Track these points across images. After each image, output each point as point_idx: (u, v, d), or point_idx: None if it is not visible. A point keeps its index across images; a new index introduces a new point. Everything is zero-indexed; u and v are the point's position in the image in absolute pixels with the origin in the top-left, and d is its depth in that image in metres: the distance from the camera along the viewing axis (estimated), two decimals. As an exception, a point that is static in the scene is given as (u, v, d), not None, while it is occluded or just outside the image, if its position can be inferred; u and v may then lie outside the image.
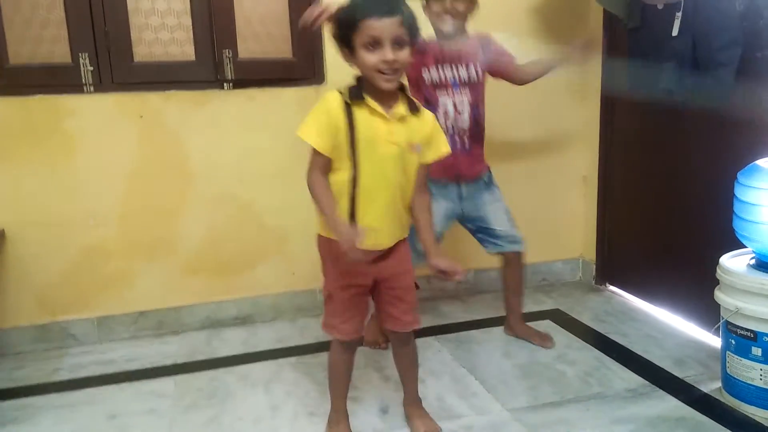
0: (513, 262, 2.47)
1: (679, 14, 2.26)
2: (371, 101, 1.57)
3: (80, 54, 2.46)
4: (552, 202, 3.11)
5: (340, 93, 1.59)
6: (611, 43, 2.83)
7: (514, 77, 2.35)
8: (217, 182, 2.65)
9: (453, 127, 2.28)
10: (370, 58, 1.52)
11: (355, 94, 1.58)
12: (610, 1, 2.52)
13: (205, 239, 2.68)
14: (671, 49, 2.30)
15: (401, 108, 1.61)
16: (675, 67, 2.30)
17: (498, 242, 2.41)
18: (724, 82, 2.15)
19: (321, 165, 1.60)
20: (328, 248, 1.69)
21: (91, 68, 2.47)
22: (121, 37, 2.50)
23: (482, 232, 2.42)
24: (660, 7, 2.31)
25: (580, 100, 3.02)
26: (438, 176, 2.23)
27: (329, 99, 1.58)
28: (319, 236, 1.73)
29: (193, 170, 2.62)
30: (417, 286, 1.87)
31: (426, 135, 1.66)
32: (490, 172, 2.43)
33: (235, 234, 2.71)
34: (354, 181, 1.59)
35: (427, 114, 1.68)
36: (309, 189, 1.62)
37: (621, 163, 2.90)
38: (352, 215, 1.62)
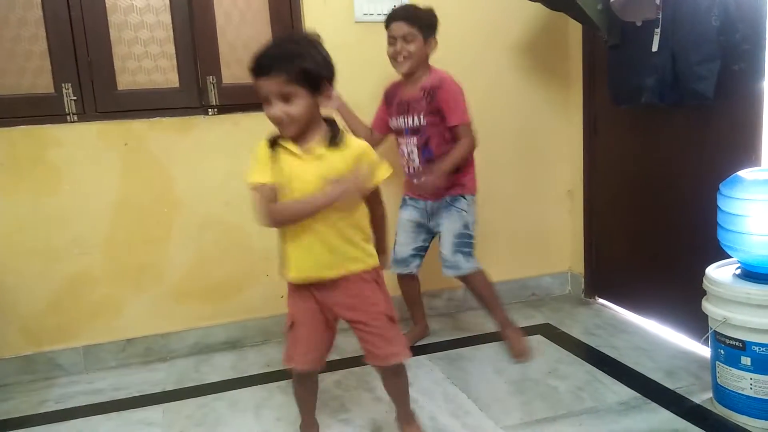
0: (467, 283, 2.52)
1: (657, 30, 2.30)
2: (286, 142, 1.64)
3: (63, 84, 2.46)
4: (538, 217, 3.13)
5: (268, 140, 1.68)
6: (592, 60, 2.87)
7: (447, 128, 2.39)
8: (203, 207, 2.64)
9: (408, 165, 2.47)
10: (266, 112, 1.62)
11: (274, 138, 1.67)
12: (600, 17, 2.55)
13: (192, 264, 2.67)
14: (651, 65, 2.34)
15: (318, 145, 1.65)
16: (656, 82, 2.34)
17: (443, 264, 2.48)
18: (703, 95, 2.18)
19: (270, 198, 1.66)
20: (289, 285, 1.78)
21: (75, 98, 2.48)
22: (105, 67, 2.51)
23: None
24: (639, 24, 2.35)
25: (564, 115, 3.05)
26: (413, 194, 2.52)
27: (258, 147, 1.68)
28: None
29: (179, 196, 2.62)
30: (392, 319, 1.79)
31: (347, 168, 1.64)
32: (459, 196, 2.46)
33: (222, 258, 2.70)
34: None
35: (353, 146, 1.68)
36: (274, 222, 1.70)
37: (605, 177, 2.92)
38: (284, 253, 1.72)
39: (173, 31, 2.57)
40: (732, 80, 2.15)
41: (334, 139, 1.66)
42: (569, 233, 3.17)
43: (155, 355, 2.67)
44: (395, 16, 2.36)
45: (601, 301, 3.06)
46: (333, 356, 2.57)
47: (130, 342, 2.64)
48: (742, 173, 1.94)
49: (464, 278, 2.49)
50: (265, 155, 1.65)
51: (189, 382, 2.45)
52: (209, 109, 2.62)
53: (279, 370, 2.49)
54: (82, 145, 2.49)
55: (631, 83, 2.47)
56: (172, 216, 2.62)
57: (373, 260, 1.77)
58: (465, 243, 2.46)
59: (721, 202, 1.95)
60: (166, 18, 2.56)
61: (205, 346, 2.72)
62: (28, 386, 2.49)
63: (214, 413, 2.18)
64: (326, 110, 1.71)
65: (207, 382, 2.44)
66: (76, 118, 2.49)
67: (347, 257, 1.71)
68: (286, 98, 1.58)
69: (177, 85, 2.60)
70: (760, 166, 2.11)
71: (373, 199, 1.77)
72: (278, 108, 1.59)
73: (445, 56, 2.51)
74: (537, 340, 2.64)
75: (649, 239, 2.67)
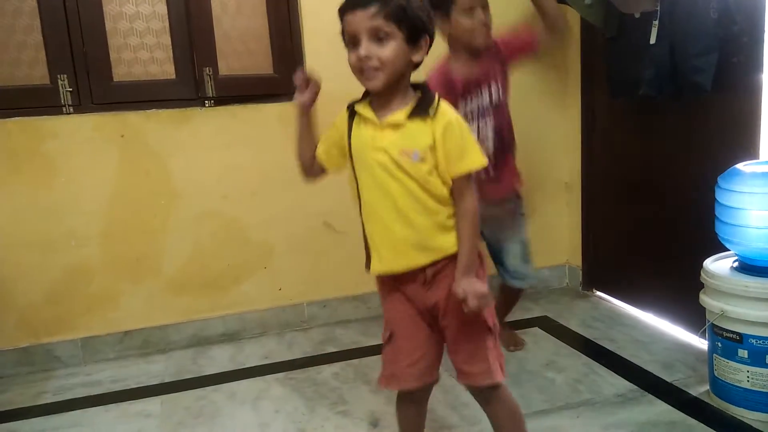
0: (511, 292, 2.42)
1: (656, 23, 2.29)
2: (362, 107, 1.43)
3: (59, 76, 2.45)
4: (536, 210, 3.12)
5: (348, 107, 1.49)
6: (590, 53, 2.86)
7: (541, 40, 2.17)
8: (200, 199, 2.64)
9: None
10: (350, 57, 1.37)
11: (354, 102, 1.46)
12: (590, 12, 2.54)
13: (189, 257, 2.66)
14: (650, 57, 2.33)
15: (400, 113, 1.38)
16: (654, 74, 2.33)
17: (505, 275, 2.34)
18: (701, 88, 2.18)
19: (308, 166, 1.55)
20: (380, 286, 1.54)
21: (70, 89, 2.46)
22: (100, 58, 2.49)
23: (494, 257, 2.33)
24: (637, 16, 2.34)
25: (561, 107, 3.04)
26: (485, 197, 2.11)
27: (343, 111, 1.49)
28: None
29: (176, 188, 2.61)
30: (489, 328, 1.48)
31: (432, 142, 1.38)
32: (519, 197, 2.30)
33: (220, 251, 2.69)
34: (358, 194, 1.47)
35: (442, 118, 1.39)
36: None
37: (603, 169, 2.92)
38: (365, 242, 1.49)
39: (169, 21, 2.55)
40: (730, 73, 2.14)
41: (422, 105, 1.39)
42: (567, 226, 3.17)
43: (153, 347, 2.67)
44: None
45: (598, 293, 3.06)
46: (330, 348, 2.60)
47: (128, 334, 2.64)
48: (740, 166, 1.94)
49: (518, 290, 2.38)
50: (342, 119, 1.47)
51: (187, 374, 2.45)
52: (206, 101, 2.60)
53: (278, 362, 2.49)
54: (78, 137, 2.48)
55: (628, 75, 2.46)
56: (169, 208, 2.61)
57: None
58: (529, 250, 2.34)
59: (719, 195, 1.95)
60: (162, 9, 2.55)
61: (203, 338, 2.72)
62: (26, 378, 2.49)
63: (213, 405, 2.19)
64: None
65: (205, 374, 2.44)
66: (71, 109, 2.48)
67: (434, 245, 1.43)
68: (379, 38, 1.33)
69: (173, 76, 2.59)
70: (758, 158, 2.11)
71: (457, 187, 1.42)
72: (368, 48, 1.33)
73: (442, 50, 2.49)
74: (534, 333, 2.64)
75: (647, 232, 2.67)
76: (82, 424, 2.11)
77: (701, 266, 2.01)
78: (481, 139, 2.15)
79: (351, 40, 1.36)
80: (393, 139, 1.39)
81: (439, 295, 1.46)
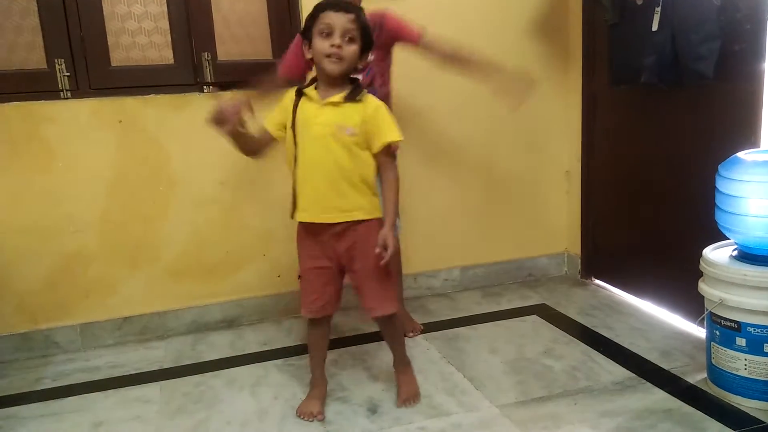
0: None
1: (658, 9, 2.28)
2: (310, 90, 1.81)
3: (56, 60, 2.43)
4: (536, 198, 3.12)
5: (296, 90, 1.85)
6: (592, 40, 2.84)
7: (416, 47, 2.28)
8: (198, 186, 2.63)
9: None
10: (322, 44, 1.74)
11: (304, 86, 1.83)
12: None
13: (188, 243, 2.66)
14: (651, 44, 2.31)
15: (338, 96, 1.78)
16: (655, 62, 2.32)
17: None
18: (703, 75, 2.16)
19: (262, 138, 1.87)
20: (299, 232, 1.94)
21: (68, 74, 2.44)
22: (98, 42, 2.47)
23: None
24: (639, 2, 2.33)
25: (562, 94, 3.03)
26: None
27: (289, 90, 1.86)
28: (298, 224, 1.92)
29: (174, 174, 2.60)
30: (389, 272, 1.93)
31: (361, 121, 1.78)
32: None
33: (218, 237, 2.69)
34: (296, 159, 1.82)
35: (370, 103, 1.81)
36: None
37: (603, 158, 2.91)
38: (294, 194, 1.85)
39: (167, 6, 2.53)
40: (732, 60, 2.13)
41: (354, 93, 1.79)
42: (566, 214, 3.17)
43: (152, 333, 2.67)
44: None
45: (597, 281, 3.07)
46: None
47: (127, 320, 2.64)
48: (741, 154, 1.93)
49: None
50: (289, 98, 1.84)
51: (186, 360, 2.45)
52: (204, 86, 2.59)
53: (276, 349, 2.50)
54: (75, 122, 2.46)
55: (630, 63, 2.45)
56: (168, 194, 2.60)
57: (380, 214, 1.87)
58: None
59: (720, 184, 1.95)
60: (160, -8, 2.52)
61: (202, 325, 2.72)
62: (25, 363, 2.49)
63: (212, 391, 2.19)
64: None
65: (204, 360, 2.45)
66: (69, 94, 2.46)
67: (355, 204, 1.83)
68: (348, 39, 1.74)
69: (171, 61, 2.57)
70: (759, 147, 2.10)
71: (382, 161, 1.85)
72: (341, 42, 1.73)
73: (442, 37, 2.48)
74: (533, 321, 2.64)
75: (647, 220, 2.67)
76: (82, 410, 2.12)
77: (700, 255, 2.01)
78: None
79: (326, 31, 1.73)
80: (330, 116, 1.78)
81: (345, 246, 1.87)
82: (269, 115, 1.87)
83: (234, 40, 2.60)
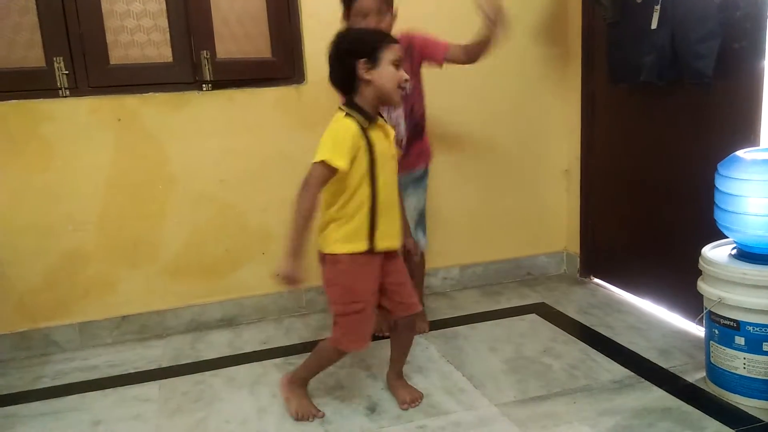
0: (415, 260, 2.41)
1: (657, 7, 2.27)
2: (381, 121, 1.82)
3: (55, 58, 2.42)
4: (535, 196, 3.12)
5: (350, 116, 1.75)
6: (591, 38, 2.84)
7: (456, 60, 2.26)
8: (198, 184, 2.62)
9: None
10: (398, 74, 1.75)
11: (367, 117, 1.76)
12: None
13: (187, 242, 2.65)
14: (651, 42, 2.31)
15: (381, 121, 1.82)
16: (655, 60, 2.31)
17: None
18: (703, 74, 2.16)
19: (324, 181, 1.74)
20: (356, 263, 1.82)
21: (66, 72, 2.44)
22: (96, 40, 2.46)
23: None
24: (639, 1, 2.32)
25: (561, 93, 3.03)
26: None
27: (348, 124, 1.74)
28: (338, 255, 1.82)
29: (173, 173, 2.59)
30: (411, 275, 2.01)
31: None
32: (427, 169, 2.48)
33: (217, 236, 2.69)
34: (373, 196, 1.77)
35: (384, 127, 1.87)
36: (299, 201, 1.74)
37: (603, 156, 2.91)
38: (372, 227, 1.79)
39: (166, 3, 2.52)
40: (732, 59, 2.13)
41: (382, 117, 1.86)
42: (565, 213, 3.17)
43: (151, 332, 2.67)
44: None
45: (596, 280, 3.07)
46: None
47: (126, 319, 2.64)
48: (741, 153, 1.93)
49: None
50: (357, 134, 1.74)
51: (185, 359, 2.45)
52: (203, 85, 2.58)
53: (275, 348, 2.49)
54: (74, 120, 2.46)
55: (629, 61, 2.45)
56: (167, 193, 2.60)
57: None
58: (424, 218, 2.49)
59: (719, 182, 1.95)
60: (159, -9, 2.52)
61: (201, 324, 2.72)
62: (24, 362, 2.49)
63: (211, 390, 2.19)
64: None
65: (203, 358, 2.45)
66: (68, 92, 2.45)
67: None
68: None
69: (170, 59, 2.56)
70: (758, 146, 2.10)
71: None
72: (407, 75, 1.78)
73: (441, 36, 2.48)
74: (532, 319, 2.64)
75: (646, 219, 2.67)
76: (81, 409, 2.12)
77: (699, 253, 2.01)
78: (393, 126, 2.23)
79: (397, 63, 1.76)
80: (391, 146, 1.84)
81: (392, 263, 1.91)
82: (336, 154, 1.70)
83: (233, 38, 2.59)
